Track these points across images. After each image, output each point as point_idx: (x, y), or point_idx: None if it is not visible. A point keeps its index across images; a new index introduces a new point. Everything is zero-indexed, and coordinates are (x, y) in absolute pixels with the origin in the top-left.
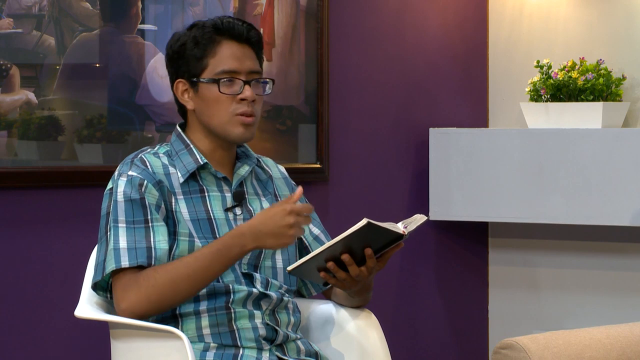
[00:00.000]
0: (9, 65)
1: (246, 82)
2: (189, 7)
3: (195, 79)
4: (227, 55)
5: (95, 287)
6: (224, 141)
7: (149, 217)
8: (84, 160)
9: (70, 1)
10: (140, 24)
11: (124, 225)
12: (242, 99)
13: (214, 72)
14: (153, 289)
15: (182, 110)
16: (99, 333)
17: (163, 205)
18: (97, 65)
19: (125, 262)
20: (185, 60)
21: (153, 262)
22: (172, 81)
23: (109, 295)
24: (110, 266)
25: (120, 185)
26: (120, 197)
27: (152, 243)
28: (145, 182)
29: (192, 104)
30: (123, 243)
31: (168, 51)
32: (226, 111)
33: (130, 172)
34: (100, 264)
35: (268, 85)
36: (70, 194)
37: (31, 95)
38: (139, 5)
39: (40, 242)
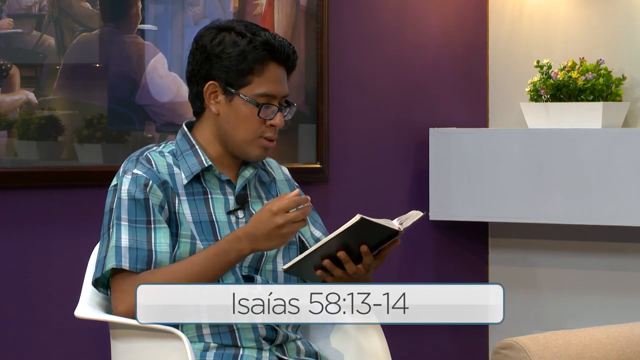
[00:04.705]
0: (9, 65)
1: (279, 109)
2: (189, 7)
3: (233, 90)
4: (271, 79)
5: (96, 283)
6: (236, 156)
7: (152, 219)
8: (84, 160)
9: (70, 1)
10: (140, 24)
11: (127, 223)
12: (271, 125)
13: (255, 92)
14: None
15: (199, 108)
16: (99, 333)
17: (166, 207)
18: (97, 65)
19: (125, 264)
20: (225, 67)
21: (152, 267)
22: (202, 78)
23: (109, 292)
24: (111, 264)
25: (124, 183)
26: (124, 195)
27: (153, 246)
28: (150, 182)
29: (218, 110)
30: (125, 241)
31: (206, 45)
32: (254, 132)
33: (135, 171)
34: (101, 261)
35: (292, 110)
36: (70, 194)
37: (31, 95)
38: (139, 5)
39: (40, 242)
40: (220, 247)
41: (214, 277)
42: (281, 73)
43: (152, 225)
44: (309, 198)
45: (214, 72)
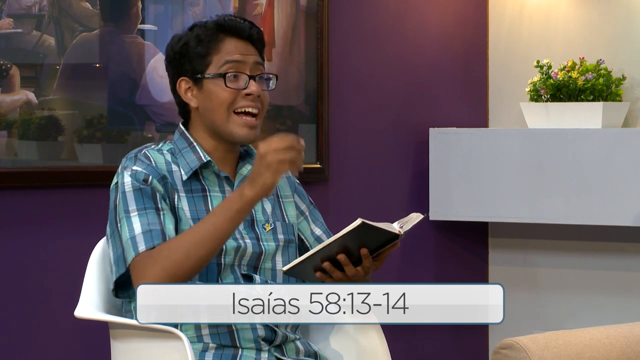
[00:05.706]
0: (9, 65)
1: (251, 77)
2: (189, 7)
3: (199, 76)
4: (230, 50)
5: (117, 288)
6: (227, 141)
7: (159, 206)
8: (84, 160)
9: (70, 1)
10: (140, 24)
11: (136, 212)
12: (248, 94)
13: (218, 66)
14: (167, 261)
15: (184, 110)
16: (99, 333)
17: (167, 200)
18: (97, 65)
19: (142, 247)
20: (188, 58)
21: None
22: (174, 81)
23: (128, 296)
24: (130, 255)
25: (125, 177)
26: (127, 187)
27: (164, 226)
28: (150, 177)
29: (196, 102)
30: (137, 229)
31: (169, 52)
32: (230, 107)
33: (134, 167)
34: (120, 258)
35: (272, 80)
36: (70, 194)
37: (31, 95)
38: (139, 5)
39: (40, 242)
40: (225, 199)
41: (226, 231)
42: (241, 45)
43: (161, 212)
44: (303, 145)
45: (180, 69)
